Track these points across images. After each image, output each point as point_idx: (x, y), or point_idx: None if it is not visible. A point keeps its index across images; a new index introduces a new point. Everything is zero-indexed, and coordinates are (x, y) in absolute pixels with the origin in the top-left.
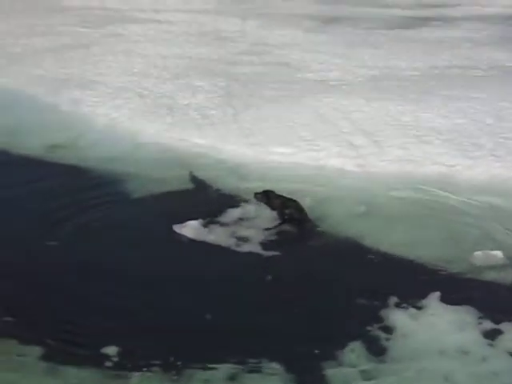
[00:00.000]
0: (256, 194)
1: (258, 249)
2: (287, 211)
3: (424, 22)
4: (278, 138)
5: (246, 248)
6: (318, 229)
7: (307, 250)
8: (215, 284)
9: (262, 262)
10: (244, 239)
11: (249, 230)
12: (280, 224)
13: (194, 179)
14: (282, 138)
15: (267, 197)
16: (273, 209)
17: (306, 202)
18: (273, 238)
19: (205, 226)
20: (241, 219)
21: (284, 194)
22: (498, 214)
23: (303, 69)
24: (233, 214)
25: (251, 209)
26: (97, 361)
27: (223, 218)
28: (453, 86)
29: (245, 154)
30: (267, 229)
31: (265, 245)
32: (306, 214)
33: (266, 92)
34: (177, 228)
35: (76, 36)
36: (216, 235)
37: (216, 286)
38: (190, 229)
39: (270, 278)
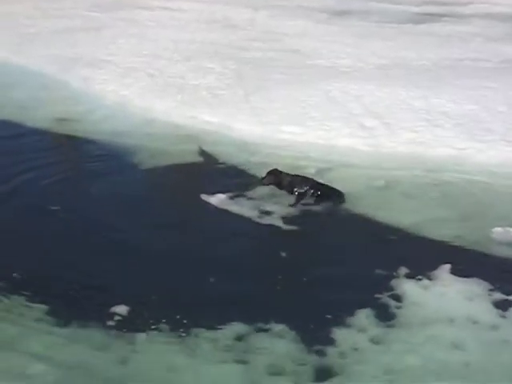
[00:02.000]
0: (263, 178)
1: (279, 222)
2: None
3: (435, 17)
4: (289, 118)
5: (268, 220)
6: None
7: (325, 223)
8: (233, 251)
9: (281, 234)
10: (268, 213)
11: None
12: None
13: (203, 154)
14: (292, 117)
15: (275, 176)
16: (282, 188)
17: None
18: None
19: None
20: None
21: (296, 172)
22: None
23: (314, 56)
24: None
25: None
26: (103, 319)
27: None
28: (464, 75)
29: (255, 132)
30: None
31: (287, 218)
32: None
33: (277, 75)
34: (204, 197)
35: (87, 19)
36: (240, 206)
37: (234, 254)
38: (218, 199)
39: (286, 247)
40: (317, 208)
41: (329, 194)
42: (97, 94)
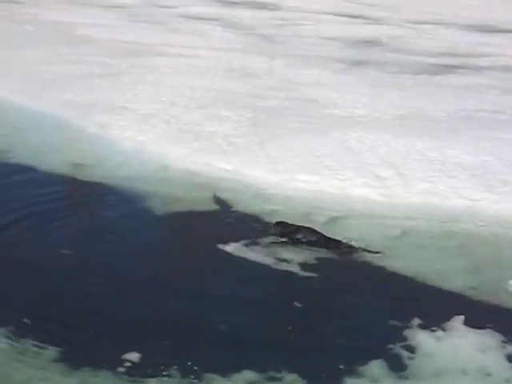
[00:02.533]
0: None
1: (295, 269)
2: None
3: (451, 69)
4: (303, 167)
5: (283, 267)
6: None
7: (339, 273)
8: (248, 297)
9: (295, 282)
10: (283, 260)
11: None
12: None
13: (217, 201)
14: (306, 166)
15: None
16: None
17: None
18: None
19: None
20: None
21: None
22: None
23: (330, 105)
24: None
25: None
26: (114, 365)
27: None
28: (480, 127)
29: (269, 180)
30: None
31: (301, 266)
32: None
33: (292, 124)
34: (218, 244)
35: (105, 66)
36: (255, 253)
37: (248, 300)
38: (232, 246)
39: (300, 295)
40: (331, 258)
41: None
42: (113, 140)
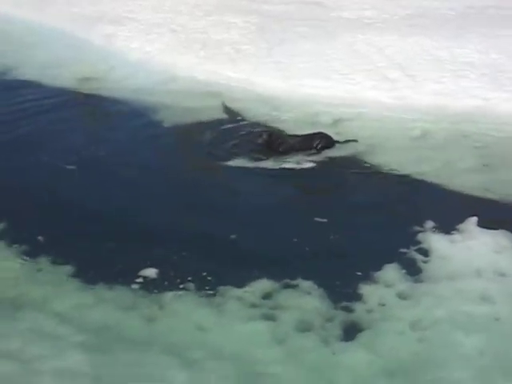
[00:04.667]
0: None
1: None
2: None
3: None
4: (312, 72)
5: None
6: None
7: (350, 176)
8: (257, 208)
9: (306, 190)
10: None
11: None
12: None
13: (226, 109)
14: (316, 71)
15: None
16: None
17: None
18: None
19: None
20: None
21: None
22: None
23: (337, 8)
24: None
25: None
26: (129, 279)
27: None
28: (490, 24)
29: (278, 87)
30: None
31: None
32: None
33: (300, 28)
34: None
35: None
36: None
37: (258, 211)
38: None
39: (311, 204)
40: (341, 160)
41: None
42: (120, 52)
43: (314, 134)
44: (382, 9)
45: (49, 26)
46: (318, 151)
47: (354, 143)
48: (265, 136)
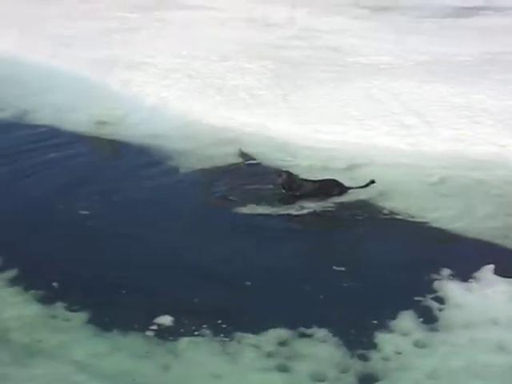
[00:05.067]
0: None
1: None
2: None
3: (474, 11)
4: (328, 117)
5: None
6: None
7: (366, 223)
8: (273, 256)
9: (322, 235)
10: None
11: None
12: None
13: (243, 155)
14: (331, 117)
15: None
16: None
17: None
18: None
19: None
20: None
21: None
22: None
23: (353, 53)
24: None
25: None
26: (144, 326)
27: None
28: (506, 70)
29: (293, 132)
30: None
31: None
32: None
33: (316, 74)
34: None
35: (124, 20)
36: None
37: (273, 258)
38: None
39: (327, 249)
40: (357, 206)
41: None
42: (136, 97)
43: (327, 179)
44: (398, 55)
45: (64, 70)
46: (334, 197)
47: (370, 189)
48: (284, 176)
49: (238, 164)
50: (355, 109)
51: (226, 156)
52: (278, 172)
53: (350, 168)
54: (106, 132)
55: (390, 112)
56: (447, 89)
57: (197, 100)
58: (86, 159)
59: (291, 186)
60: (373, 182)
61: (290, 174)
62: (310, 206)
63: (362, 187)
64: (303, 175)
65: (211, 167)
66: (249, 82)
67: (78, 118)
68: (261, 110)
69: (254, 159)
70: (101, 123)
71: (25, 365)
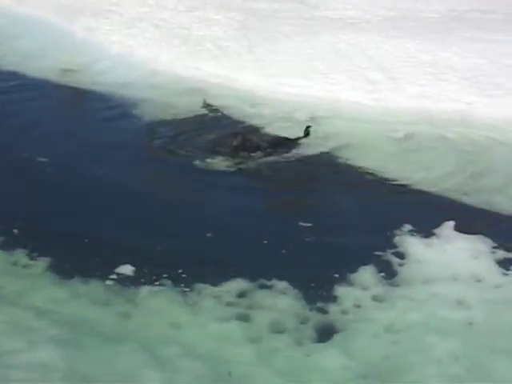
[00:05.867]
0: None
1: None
2: None
3: None
4: (293, 71)
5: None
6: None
7: (327, 175)
8: (232, 208)
9: (279, 187)
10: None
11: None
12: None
13: (207, 106)
14: (297, 70)
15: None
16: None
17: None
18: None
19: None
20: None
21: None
22: None
23: (320, 6)
24: None
25: None
26: (105, 274)
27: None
28: (472, 28)
29: (259, 84)
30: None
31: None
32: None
33: (283, 27)
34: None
35: None
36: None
37: (233, 210)
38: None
39: (287, 202)
40: (318, 161)
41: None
42: (101, 45)
43: (278, 137)
44: (365, 9)
45: (32, 16)
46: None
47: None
48: (239, 138)
49: (200, 114)
50: (321, 63)
51: (190, 106)
52: (234, 134)
53: (313, 120)
54: (71, 79)
55: (356, 67)
56: (414, 45)
57: (163, 50)
58: (48, 104)
59: (246, 147)
60: (309, 127)
61: (244, 136)
62: (268, 161)
63: (303, 137)
64: (267, 127)
65: (173, 117)
66: (216, 33)
67: (44, 65)
68: (227, 62)
69: (218, 110)
70: (66, 70)
71: None
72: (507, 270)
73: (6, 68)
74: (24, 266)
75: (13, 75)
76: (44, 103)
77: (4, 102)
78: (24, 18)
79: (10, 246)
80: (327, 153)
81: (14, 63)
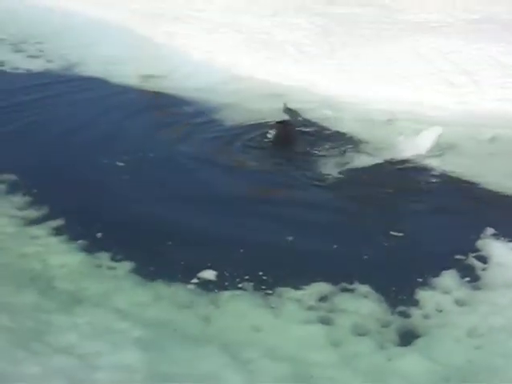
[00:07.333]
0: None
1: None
2: None
3: None
4: (374, 75)
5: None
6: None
7: (411, 178)
8: (313, 209)
9: (361, 190)
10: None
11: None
12: None
13: (287, 111)
14: (378, 74)
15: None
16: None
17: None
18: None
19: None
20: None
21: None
22: None
23: (402, 11)
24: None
25: None
26: (188, 277)
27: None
28: None
29: (340, 89)
30: None
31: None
32: None
33: (364, 31)
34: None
35: None
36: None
37: (315, 213)
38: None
39: (367, 203)
40: (400, 162)
41: None
42: (182, 50)
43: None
44: (448, 13)
45: (109, 21)
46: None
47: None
48: (280, 128)
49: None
50: (403, 67)
51: (271, 110)
52: (275, 125)
53: (393, 123)
54: (153, 85)
55: (439, 70)
56: (497, 48)
57: (244, 54)
58: (133, 112)
59: (286, 140)
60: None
61: (285, 126)
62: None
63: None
64: (346, 131)
65: (254, 121)
66: (297, 38)
67: (125, 72)
68: (308, 66)
69: (299, 114)
70: (148, 77)
71: (69, 312)
72: None
73: (88, 74)
74: (108, 269)
75: (94, 82)
76: (128, 111)
77: (88, 109)
78: (102, 23)
79: (94, 249)
80: (415, 157)
81: (95, 70)
